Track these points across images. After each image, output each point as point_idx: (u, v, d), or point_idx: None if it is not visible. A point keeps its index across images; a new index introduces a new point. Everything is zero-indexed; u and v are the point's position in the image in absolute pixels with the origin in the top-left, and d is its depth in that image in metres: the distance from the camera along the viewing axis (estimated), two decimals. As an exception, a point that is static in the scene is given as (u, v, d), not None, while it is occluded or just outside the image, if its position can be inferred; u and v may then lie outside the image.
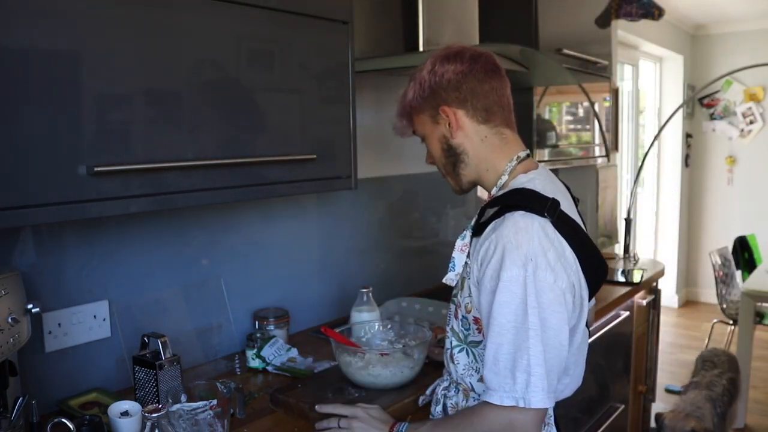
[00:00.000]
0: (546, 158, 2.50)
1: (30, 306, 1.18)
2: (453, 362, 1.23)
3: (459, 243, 1.19)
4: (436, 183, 2.43)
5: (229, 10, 1.29)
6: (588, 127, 2.87)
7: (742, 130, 5.54)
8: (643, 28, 4.35)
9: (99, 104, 1.10)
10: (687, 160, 5.73)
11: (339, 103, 1.57)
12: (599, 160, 2.99)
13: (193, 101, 1.25)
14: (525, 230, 1.06)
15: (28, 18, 1.00)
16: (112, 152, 1.12)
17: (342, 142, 1.59)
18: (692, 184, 5.86)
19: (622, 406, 2.51)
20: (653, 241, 5.75)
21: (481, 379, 1.18)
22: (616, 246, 3.42)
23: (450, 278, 1.21)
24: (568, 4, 2.61)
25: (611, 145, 3.21)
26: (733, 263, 4.38)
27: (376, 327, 1.59)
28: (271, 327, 1.76)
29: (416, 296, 2.09)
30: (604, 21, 2.89)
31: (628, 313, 2.48)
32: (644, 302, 2.65)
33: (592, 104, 2.76)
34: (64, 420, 1.12)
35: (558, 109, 2.70)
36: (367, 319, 1.67)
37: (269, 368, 1.63)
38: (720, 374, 2.82)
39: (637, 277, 2.57)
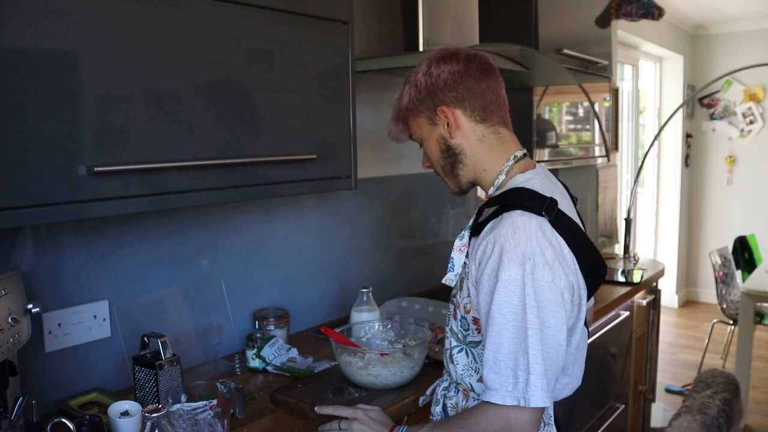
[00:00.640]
0: (546, 158, 2.50)
1: (30, 306, 1.18)
2: (452, 362, 1.23)
3: (457, 243, 1.19)
4: (435, 183, 2.43)
5: (229, 10, 1.29)
6: (588, 127, 2.87)
7: (742, 130, 5.54)
8: (643, 28, 4.35)
9: (99, 104, 1.10)
10: (687, 160, 5.73)
11: (339, 103, 1.57)
12: (599, 160, 2.99)
13: (193, 101, 1.25)
14: (523, 229, 1.06)
15: (28, 18, 1.00)
16: (112, 152, 1.12)
17: (342, 142, 1.59)
18: (692, 184, 5.87)
19: (622, 406, 2.51)
20: (653, 241, 5.75)
21: (480, 380, 1.18)
22: (616, 246, 3.42)
23: (449, 279, 1.21)
24: (568, 4, 2.61)
25: (611, 145, 3.21)
26: (733, 263, 4.38)
27: (376, 327, 1.59)
28: (271, 327, 1.76)
29: (416, 296, 2.09)
30: (604, 21, 2.89)
31: (628, 313, 2.49)
32: (644, 302, 2.65)
33: (592, 104, 2.76)
34: (64, 420, 1.12)
35: (558, 109, 2.70)
36: (367, 319, 1.67)
37: (269, 368, 1.63)
38: (713, 394, 2.62)
39: (637, 277, 2.57)
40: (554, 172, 1.35)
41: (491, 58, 1.22)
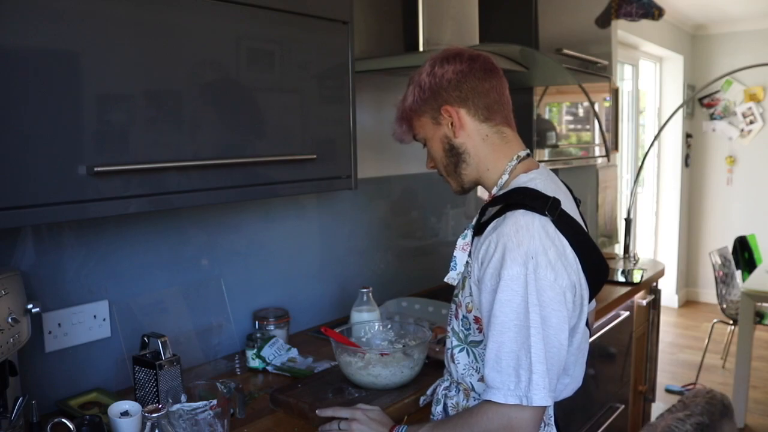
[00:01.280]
0: (546, 158, 2.50)
1: (30, 306, 1.18)
2: (453, 362, 1.23)
3: (460, 242, 1.19)
4: (435, 183, 2.44)
5: (229, 10, 1.29)
6: (588, 127, 2.87)
7: (742, 130, 5.54)
8: (643, 28, 4.35)
9: (99, 104, 1.10)
10: (687, 160, 5.73)
11: (339, 103, 1.57)
12: (599, 160, 2.99)
13: (193, 101, 1.25)
14: (526, 228, 1.06)
15: (28, 18, 1.00)
16: (112, 152, 1.12)
17: (342, 142, 1.59)
18: (692, 184, 5.86)
19: (622, 406, 2.51)
20: (653, 241, 5.75)
21: (481, 379, 1.18)
22: (616, 246, 3.42)
23: (451, 277, 1.21)
24: (568, 4, 2.61)
25: (611, 145, 3.21)
26: (733, 263, 4.38)
27: (376, 327, 1.59)
28: (271, 327, 1.76)
29: (416, 296, 2.09)
30: (604, 21, 2.89)
31: (628, 313, 2.48)
32: (644, 302, 2.65)
33: (592, 104, 2.76)
34: (64, 420, 1.12)
35: (558, 109, 2.70)
36: (367, 319, 1.67)
37: (269, 368, 1.63)
38: (685, 417, 2.23)
39: (637, 277, 2.57)
40: (554, 172, 1.35)
41: (494, 59, 1.23)
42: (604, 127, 2.88)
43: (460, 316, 1.21)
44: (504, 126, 1.22)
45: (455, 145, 1.21)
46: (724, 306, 4.06)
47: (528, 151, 1.23)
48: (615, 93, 3.40)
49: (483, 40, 2.19)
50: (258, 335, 1.66)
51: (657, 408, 3.20)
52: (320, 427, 1.28)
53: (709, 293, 5.49)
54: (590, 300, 1.19)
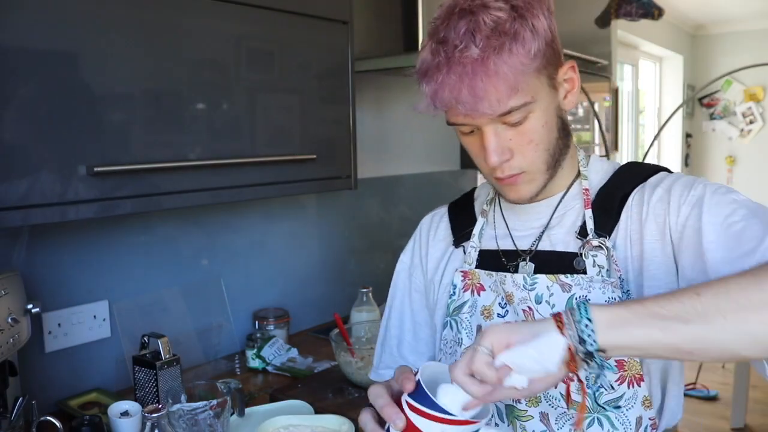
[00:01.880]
0: (546, 158, 2.50)
1: (30, 306, 1.18)
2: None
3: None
4: (436, 183, 2.44)
5: (229, 10, 1.29)
6: (588, 126, 2.87)
7: (742, 130, 5.55)
8: (643, 28, 4.35)
9: (99, 105, 1.10)
10: (687, 160, 5.74)
11: (339, 103, 1.57)
12: (599, 160, 2.99)
13: (193, 101, 1.25)
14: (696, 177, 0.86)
15: (28, 18, 1.00)
16: (112, 152, 1.12)
17: (342, 142, 1.59)
18: (692, 184, 5.86)
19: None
20: (653, 241, 5.75)
21: None
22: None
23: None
24: (568, 4, 2.61)
25: (611, 145, 3.21)
26: (733, 263, 4.38)
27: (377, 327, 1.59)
28: (271, 327, 1.76)
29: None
30: (604, 21, 2.89)
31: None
32: (644, 302, 2.64)
33: (592, 104, 2.76)
34: (50, 418, 1.12)
35: (558, 109, 2.70)
36: (367, 319, 1.67)
37: (269, 368, 1.63)
38: None
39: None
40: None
41: None
42: (603, 127, 2.88)
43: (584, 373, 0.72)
44: None
45: (566, 122, 0.89)
46: (724, 306, 4.06)
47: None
48: (615, 93, 3.40)
49: (483, 40, 2.19)
50: (258, 335, 1.66)
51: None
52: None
53: (709, 293, 5.48)
54: None
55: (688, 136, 5.71)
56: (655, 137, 3.59)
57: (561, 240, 0.90)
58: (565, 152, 0.89)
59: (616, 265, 0.85)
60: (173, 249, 1.64)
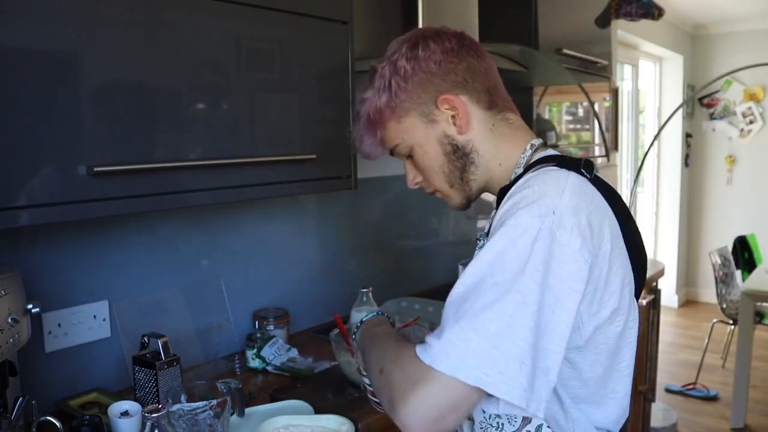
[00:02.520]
0: (546, 158, 2.50)
1: (30, 306, 1.18)
2: (468, 418, 0.97)
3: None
4: (436, 183, 2.43)
5: (229, 10, 1.29)
6: (588, 126, 2.87)
7: (742, 130, 5.54)
8: (643, 28, 4.35)
9: (99, 104, 1.10)
10: (687, 160, 5.73)
11: (339, 103, 1.57)
12: (599, 160, 2.99)
13: (193, 101, 1.25)
14: (555, 181, 0.85)
15: (28, 18, 1.00)
16: (111, 152, 1.12)
17: (342, 142, 1.58)
18: (692, 184, 5.86)
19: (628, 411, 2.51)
20: (653, 241, 5.75)
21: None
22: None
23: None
24: (568, 4, 2.61)
25: (611, 145, 3.21)
26: (732, 263, 4.38)
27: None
28: (271, 327, 1.76)
29: (416, 296, 2.09)
30: (604, 21, 2.89)
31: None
32: (644, 302, 2.65)
33: (591, 104, 2.76)
34: (50, 418, 1.12)
35: (558, 109, 2.70)
36: (367, 319, 1.67)
37: (269, 368, 1.63)
38: None
39: (637, 277, 2.56)
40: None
41: None
42: (603, 127, 2.88)
43: None
44: (509, 112, 1.01)
45: (460, 145, 0.97)
46: (724, 306, 4.06)
47: (542, 140, 1.01)
48: (615, 93, 3.40)
49: (483, 40, 2.19)
50: (258, 335, 1.66)
51: (657, 408, 3.20)
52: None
53: (709, 293, 5.49)
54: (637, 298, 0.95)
55: (688, 136, 5.71)
56: (655, 137, 3.59)
57: None
58: (469, 168, 0.98)
59: None
60: (173, 249, 1.64)
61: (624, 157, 4.95)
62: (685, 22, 5.40)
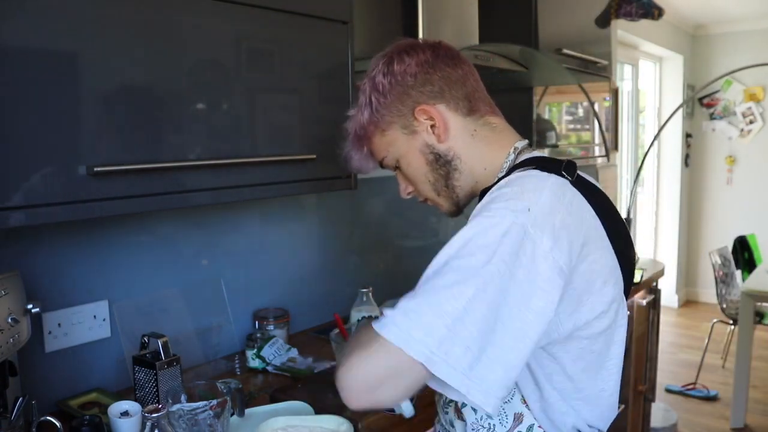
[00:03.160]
0: (546, 158, 2.50)
1: (30, 306, 1.18)
2: (460, 419, 1.00)
3: None
4: (436, 183, 2.43)
5: (229, 10, 1.29)
6: (588, 126, 2.87)
7: (742, 130, 5.54)
8: (643, 28, 4.35)
9: (98, 104, 1.10)
10: (687, 160, 5.73)
11: (339, 103, 1.57)
12: (599, 160, 2.99)
13: (193, 101, 1.25)
14: (535, 182, 0.85)
15: (27, 18, 1.00)
16: (111, 152, 1.12)
17: (342, 142, 1.58)
18: (692, 184, 5.86)
19: (622, 406, 2.51)
20: (653, 241, 5.75)
21: None
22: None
23: None
24: (568, 4, 2.61)
25: (611, 145, 3.21)
26: (732, 263, 4.38)
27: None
28: (271, 327, 1.76)
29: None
30: (604, 21, 2.89)
31: (627, 313, 2.48)
32: (644, 302, 2.65)
33: (591, 104, 2.76)
34: (50, 418, 1.12)
35: (558, 109, 2.70)
36: (367, 319, 1.67)
37: (269, 368, 1.63)
38: None
39: (636, 277, 2.57)
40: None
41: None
42: (603, 127, 2.88)
43: None
44: (491, 115, 1.02)
45: (441, 153, 1.00)
46: (724, 306, 4.06)
47: (527, 141, 1.02)
48: (615, 93, 3.40)
49: (483, 40, 2.19)
50: (258, 335, 1.66)
51: (657, 408, 3.20)
52: None
53: (709, 293, 5.49)
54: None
55: (688, 136, 5.71)
56: (655, 137, 3.59)
57: None
58: (453, 175, 1.01)
59: None
60: (173, 249, 1.64)
61: (624, 157, 4.95)
62: (685, 22, 5.40)
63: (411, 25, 1.96)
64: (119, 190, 1.13)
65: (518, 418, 0.93)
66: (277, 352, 1.66)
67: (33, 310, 1.18)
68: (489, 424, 0.95)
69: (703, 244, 5.81)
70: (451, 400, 1.02)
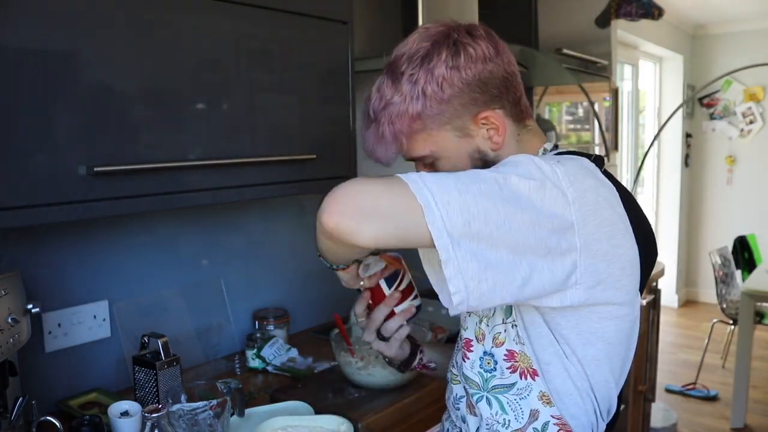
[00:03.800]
0: (546, 158, 2.50)
1: (30, 306, 1.18)
2: (473, 414, 0.98)
3: None
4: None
5: (229, 10, 1.29)
6: (588, 126, 2.87)
7: (742, 130, 5.55)
8: (643, 28, 4.35)
9: (98, 104, 1.10)
10: (687, 160, 5.73)
11: (339, 103, 1.57)
12: (599, 160, 2.99)
13: (193, 101, 1.25)
14: (568, 157, 0.85)
15: (27, 18, 1.00)
16: (111, 152, 1.12)
17: (342, 142, 1.59)
18: (692, 184, 5.86)
19: (623, 406, 2.51)
20: (653, 241, 5.75)
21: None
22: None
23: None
24: (568, 4, 2.61)
25: (611, 145, 3.21)
26: (733, 263, 4.38)
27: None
28: (271, 327, 1.76)
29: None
30: (604, 21, 2.89)
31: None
32: (644, 302, 2.65)
33: (591, 104, 2.76)
34: (50, 418, 1.12)
35: (558, 109, 2.70)
36: (367, 319, 1.67)
37: (269, 368, 1.63)
38: None
39: (637, 277, 2.56)
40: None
41: None
42: (603, 127, 2.88)
43: (479, 354, 0.95)
44: (529, 118, 0.97)
45: (491, 160, 0.91)
46: (724, 306, 4.06)
47: (554, 143, 0.98)
48: (615, 93, 3.40)
49: (483, 40, 2.19)
50: (258, 335, 1.66)
51: (657, 408, 3.20)
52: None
53: (709, 293, 5.49)
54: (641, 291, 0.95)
55: (688, 136, 5.71)
56: (655, 137, 3.59)
57: None
58: None
59: None
60: (173, 249, 1.64)
61: (624, 157, 4.95)
62: (685, 22, 5.40)
63: (411, 24, 1.96)
64: (119, 190, 1.13)
65: (534, 415, 0.92)
66: (277, 352, 1.66)
67: (33, 310, 1.18)
68: (504, 419, 0.93)
69: (703, 244, 5.81)
70: (463, 396, 1.01)
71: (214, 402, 1.14)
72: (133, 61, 1.14)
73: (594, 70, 2.73)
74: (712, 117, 5.67)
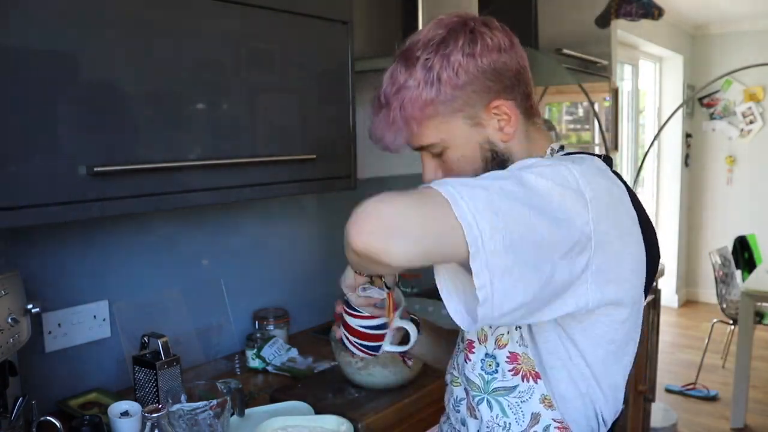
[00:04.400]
0: (546, 158, 2.50)
1: (30, 306, 1.17)
2: (474, 417, 0.97)
3: None
4: (436, 183, 2.43)
5: (229, 10, 1.29)
6: (588, 126, 2.87)
7: (742, 130, 5.54)
8: (643, 28, 4.35)
9: (99, 104, 1.10)
10: (687, 160, 5.73)
11: (339, 103, 1.57)
12: (599, 160, 2.99)
13: (193, 101, 1.25)
14: (580, 159, 0.84)
15: (28, 18, 1.00)
16: (112, 152, 1.12)
17: (342, 142, 1.59)
18: (692, 184, 5.86)
19: (623, 406, 2.51)
20: (653, 241, 5.75)
21: None
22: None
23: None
24: (568, 4, 2.61)
25: (611, 145, 3.21)
26: (733, 263, 4.38)
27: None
28: (271, 327, 1.76)
29: (416, 296, 2.09)
30: (604, 21, 2.89)
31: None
32: (644, 302, 2.65)
33: (591, 104, 2.76)
34: (50, 418, 1.12)
35: (558, 109, 2.70)
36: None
37: (269, 368, 1.63)
38: None
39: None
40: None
41: None
42: (603, 127, 2.88)
43: (481, 356, 0.94)
44: (537, 116, 0.96)
45: (500, 151, 0.91)
46: (724, 306, 4.06)
47: (561, 143, 0.97)
48: (615, 93, 3.40)
49: (483, 40, 2.19)
50: (258, 335, 1.66)
51: (657, 408, 3.20)
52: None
53: (709, 293, 5.49)
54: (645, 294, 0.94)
55: (688, 136, 5.71)
56: (655, 137, 3.59)
57: None
58: None
59: None
60: (173, 249, 1.64)
61: (624, 157, 4.95)
62: (685, 23, 5.40)
63: (411, 24, 1.96)
64: (119, 190, 1.13)
65: (535, 418, 0.92)
66: (277, 352, 1.66)
67: (33, 310, 1.18)
68: (505, 422, 0.92)
69: (703, 244, 5.81)
70: (464, 398, 1.01)
71: (214, 402, 1.14)
72: (134, 60, 1.14)
73: (594, 70, 2.73)
74: (712, 117, 5.67)
